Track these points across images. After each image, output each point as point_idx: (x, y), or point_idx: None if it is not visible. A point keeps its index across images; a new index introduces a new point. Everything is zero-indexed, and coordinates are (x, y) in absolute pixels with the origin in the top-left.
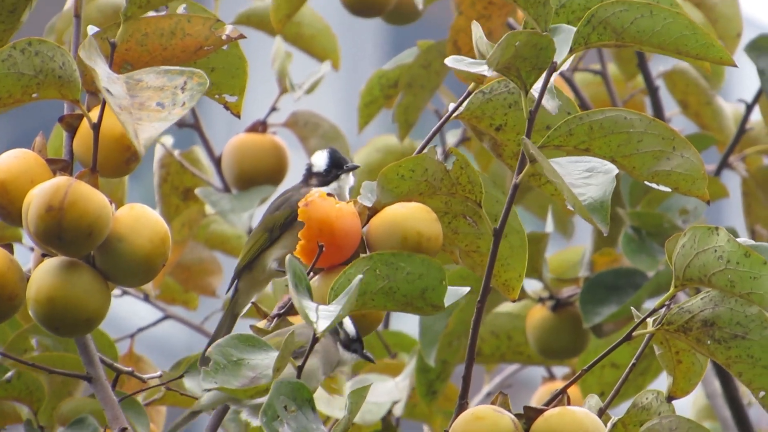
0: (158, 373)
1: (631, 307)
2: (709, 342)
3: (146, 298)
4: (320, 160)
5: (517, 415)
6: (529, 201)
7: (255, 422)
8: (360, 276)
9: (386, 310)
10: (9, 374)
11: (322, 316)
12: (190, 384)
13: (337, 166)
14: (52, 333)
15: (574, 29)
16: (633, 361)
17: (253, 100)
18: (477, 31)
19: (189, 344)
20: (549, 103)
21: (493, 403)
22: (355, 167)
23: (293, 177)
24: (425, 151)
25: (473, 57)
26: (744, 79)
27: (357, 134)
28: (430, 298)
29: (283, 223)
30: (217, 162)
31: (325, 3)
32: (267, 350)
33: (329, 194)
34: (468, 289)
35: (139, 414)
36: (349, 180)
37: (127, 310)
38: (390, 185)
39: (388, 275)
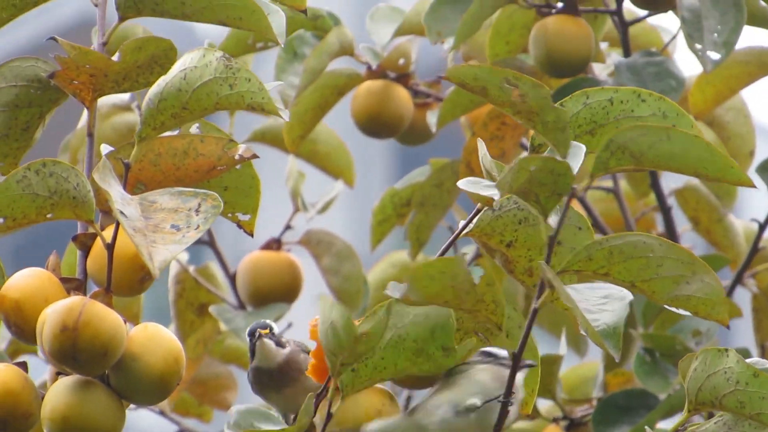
0: None
1: (647, 428)
2: None
3: (161, 413)
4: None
5: None
6: (541, 317)
7: None
8: None
9: (399, 373)
10: None
11: None
12: None
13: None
14: None
15: (592, 154)
16: None
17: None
18: (482, 148)
19: None
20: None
21: None
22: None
23: (307, 295)
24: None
25: None
26: (757, 195)
27: (370, 252)
28: (440, 339)
29: None
30: (231, 278)
31: (338, 120)
32: None
33: None
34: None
35: None
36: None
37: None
38: (419, 284)
39: (394, 324)
